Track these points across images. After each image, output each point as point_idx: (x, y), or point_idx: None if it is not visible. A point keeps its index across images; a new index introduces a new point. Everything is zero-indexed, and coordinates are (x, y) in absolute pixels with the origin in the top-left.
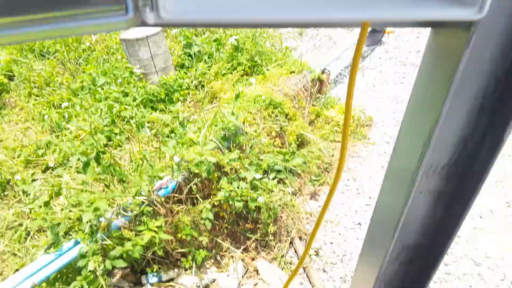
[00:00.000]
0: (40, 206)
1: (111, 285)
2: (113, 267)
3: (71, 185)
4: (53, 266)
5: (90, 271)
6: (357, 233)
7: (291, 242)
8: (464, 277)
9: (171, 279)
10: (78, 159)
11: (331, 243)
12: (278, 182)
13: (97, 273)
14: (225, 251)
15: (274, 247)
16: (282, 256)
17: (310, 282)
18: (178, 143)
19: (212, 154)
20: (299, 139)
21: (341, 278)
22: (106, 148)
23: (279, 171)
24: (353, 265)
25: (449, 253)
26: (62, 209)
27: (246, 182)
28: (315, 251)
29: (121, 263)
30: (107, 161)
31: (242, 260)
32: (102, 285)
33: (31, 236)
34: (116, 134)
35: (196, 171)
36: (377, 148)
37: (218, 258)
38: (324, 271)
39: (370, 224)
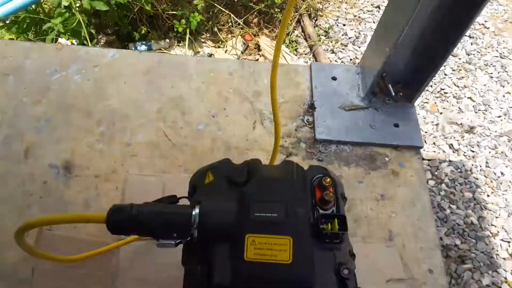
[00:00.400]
0: None
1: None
2: (97, 30)
3: None
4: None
5: (64, 7)
6: (374, 16)
7: (298, 20)
8: (486, 68)
9: (162, 49)
10: None
11: (344, 24)
12: None
13: (73, 11)
14: (223, 25)
15: (279, 22)
16: (288, 34)
17: (316, 62)
18: None
19: None
20: None
21: (350, 60)
22: None
23: None
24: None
25: (473, 43)
26: None
27: None
28: (325, 31)
29: (101, 5)
30: None
31: (242, 36)
32: (80, 22)
33: None
34: None
35: None
36: None
37: (215, 30)
38: (333, 52)
39: None
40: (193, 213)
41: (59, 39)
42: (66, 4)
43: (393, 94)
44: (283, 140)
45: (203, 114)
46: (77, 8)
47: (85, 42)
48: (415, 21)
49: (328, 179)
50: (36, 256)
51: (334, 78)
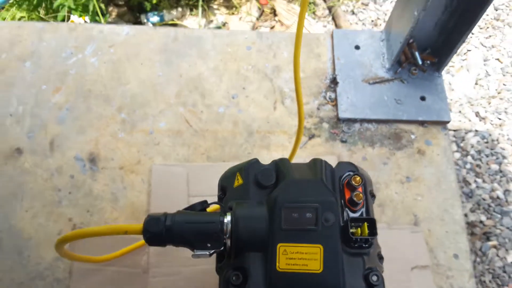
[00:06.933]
0: None
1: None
2: (108, 1)
3: None
4: None
5: None
6: None
7: None
8: None
9: (175, 20)
10: None
11: None
12: None
13: None
14: None
15: None
16: None
17: (336, 25)
18: None
19: None
20: None
21: (372, 21)
22: None
23: None
24: (388, 8)
25: None
26: None
27: None
28: None
29: None
30: None
31: (257, 0)
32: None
33: None
34: None
35: None
36: None
37: None
38: (353, 13)
39: None
40: (225, 221)
41: (71, 17)
42: None
43: (420, 62)
44: (306, 121)
45: (223, 95)
46: None
47: (97, 18)
48: None
49: (358, 178)
50: (76, 260)
51: (357, 47)
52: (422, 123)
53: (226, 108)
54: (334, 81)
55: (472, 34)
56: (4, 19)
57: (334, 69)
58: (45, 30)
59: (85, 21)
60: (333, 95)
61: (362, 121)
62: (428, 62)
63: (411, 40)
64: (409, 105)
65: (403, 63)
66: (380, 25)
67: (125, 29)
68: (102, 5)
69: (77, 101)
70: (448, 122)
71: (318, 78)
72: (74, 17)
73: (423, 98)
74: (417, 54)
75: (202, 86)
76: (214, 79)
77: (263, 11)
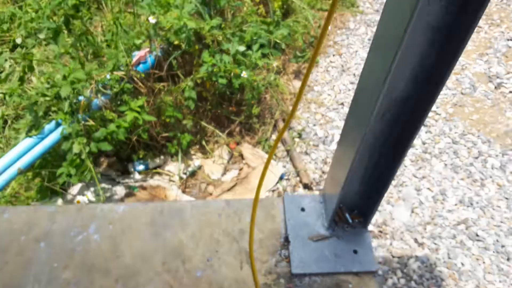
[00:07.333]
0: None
1: (97, 173)
2: (99, 154)
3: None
4: (36, 150)
5: (75, 154)
6: (339, 114)
7: (274, 125)
8: (441, 155)
9: (158, 166)
10: (48, 29)
11: (314, 124)
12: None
13: (83, 157)
14: (210, 136)
15: (258, 130)
16: (266, 140)
17: (293, 165)
18: (153, 4)
19: (191, 18)
20: (284, 6)
21: (322, 160)
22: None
23: (262, 45)
24: (334, 147)
25: (427, 131)
26: (37, 90)
27: (229, 55)
28: (298, 133)
29: (106, 146)
30: (79, 28)
31: (227, 145)
32: (90, 169)
33: (9, 125)
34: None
35: (176, 42)
36: (365, 17)
37: (203, 143)
38: (307, 153)
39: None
40: None
41: (78, 198)
42: (77, 151)
43: (350, 221)
44: (265, 277)
45: (200, 260)
46: (86, 154)
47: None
48: (360, 156)
49: None
50: None
51: (303, 209)
52: (356, 273)
53: (203, 271)
54: (287, 240)
55: (405, 166)
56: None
57: (286, 229)
58: (57, 212)
59: (89, 200)
60: (286, 253)
61: (310, 275)
62: (357, 220)
63: (341, 205)
64: (345, 259)
65: (338, 222)
66: (329, 162)
67: (121, 207)
68: (92, 169)
69: (82, 276)
70: (375, 271)
71: (275, 238)
72: (81, 198)
73: (355, 252)
74: (347, 215)
75: (183, 252)
76: (193, 245)
77: (232, 154)
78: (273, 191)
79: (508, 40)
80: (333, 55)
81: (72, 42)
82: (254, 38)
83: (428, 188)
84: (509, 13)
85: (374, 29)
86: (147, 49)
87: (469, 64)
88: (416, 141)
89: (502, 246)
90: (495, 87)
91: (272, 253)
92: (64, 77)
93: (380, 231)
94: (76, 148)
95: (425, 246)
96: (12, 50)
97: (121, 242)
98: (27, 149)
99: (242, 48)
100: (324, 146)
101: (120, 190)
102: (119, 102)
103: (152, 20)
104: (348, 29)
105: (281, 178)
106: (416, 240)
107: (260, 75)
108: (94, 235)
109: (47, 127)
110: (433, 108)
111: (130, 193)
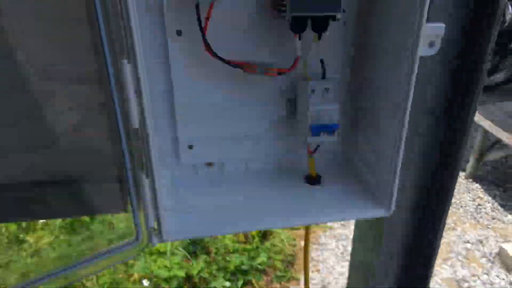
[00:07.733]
0: None
1: None
2: None
3: None
4: None
5: None
6: None
7: None
8: None
9: None
10: None
11: None
12: (246, 283)
13: None
14: None
15: None
16: None
17: None
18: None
19: (180, 265)
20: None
21: None
22: None
23: (245, 272)
24: None
25: None
26: None
27: None
28: None
29: None
30: None
31: None
32: None
33: None
34: None
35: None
36: (334, 231)
37: None
38: None
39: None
40: None
41: None
42: None
43: None
44: None
45: None
46: None
47: None
48: None
49: None
50: None
51: None
52: None
53: None
54: None
55: None
56: None
57: None
58: None
59: None
60: None
61: None
62: None
63: None
64: None
65: None
66: None
67: None
68: None
69: None
70: None
71: None
72: None
73: None
74: None
75: None
76: None
77: None
78: None
79: (465, 242)
80: (312, 272)
81: None
82: (238, 266)
83: None
84: (459, 216)
85: (344, 243)
86: None
87: (437, 269)
88: None
89: None
90: None
91: None
92: None
93: None
94: None
95: None
96: None
97: None
98: None
99: (227, 283)
100: None
101: None
102: None
103: (145, 283)
104: (321, 244)
105: None
106: None
107: None
108: None
109: None
110: None
111: None
